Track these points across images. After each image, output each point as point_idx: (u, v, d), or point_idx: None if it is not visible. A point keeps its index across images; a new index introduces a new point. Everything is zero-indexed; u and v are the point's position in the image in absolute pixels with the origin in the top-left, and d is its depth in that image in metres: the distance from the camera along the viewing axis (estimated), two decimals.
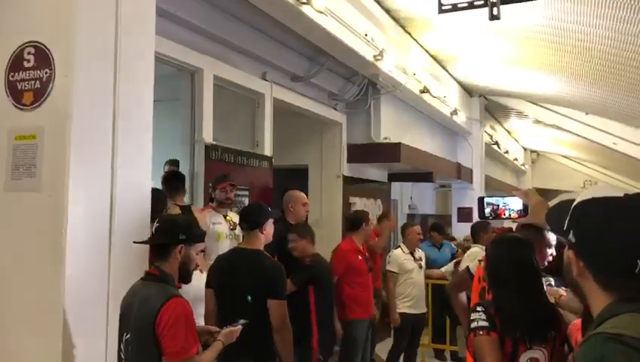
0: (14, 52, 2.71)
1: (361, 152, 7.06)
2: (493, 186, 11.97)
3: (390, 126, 7.23)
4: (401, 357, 5.69)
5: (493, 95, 10.30)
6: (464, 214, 9.82)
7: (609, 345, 1.02)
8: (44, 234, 2.56)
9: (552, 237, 2.61)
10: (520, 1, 4.47)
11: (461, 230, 8.76)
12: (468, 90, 9.83)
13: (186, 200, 4.50)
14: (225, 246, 4.01)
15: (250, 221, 3.22)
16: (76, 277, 2.51)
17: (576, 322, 2.12)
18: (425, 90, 7.32)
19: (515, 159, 14.76)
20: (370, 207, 7.19)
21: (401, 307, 5.45)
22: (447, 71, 8.57)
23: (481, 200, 2.22)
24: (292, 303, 3.15)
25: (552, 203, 1.68)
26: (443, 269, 6.14)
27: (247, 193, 5.08)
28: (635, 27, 5.27)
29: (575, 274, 1.18)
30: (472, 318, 2.16)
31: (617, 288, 1.11)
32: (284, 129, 6.24)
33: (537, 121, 11.95)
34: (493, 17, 4.37)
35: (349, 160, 7.07)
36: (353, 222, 5.14)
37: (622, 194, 1.14)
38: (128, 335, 2.28)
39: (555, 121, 11.26)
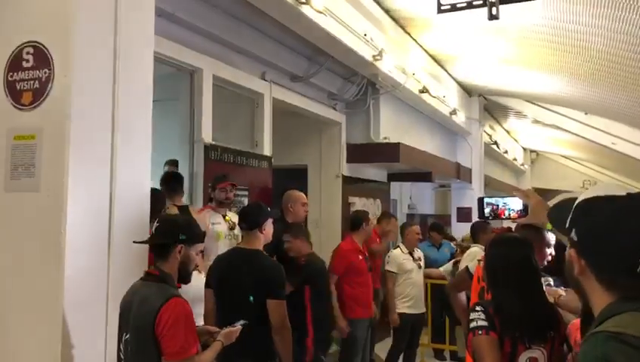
0: (13, 52, 2.71)
1: (360, 152, 7.06)
2: (493, 186, 11.98)
3: (389, 126, 7.23)
4: (401, 357, 5.69)
5: (493, 95, 10.30)
6: (463, 214, 9.82)
7: (610, 344, 1.02)
8: (44, 234, 2.56)
9: (551, 237, 2.61)
10: (519, 1, 4.48)
11: (460, 230, 8.76)
12: (467, 90, 9.83)
13: (186, 200, 4.51)
14: (224, 246, 4.01)
15: (250, 221, 3.22)
16: (75, 277, 2.51)
17: (575, 322, 2.12)
18: (424, 90, 7.33)
19: (515, 159, 14.77)
20: (369, 206, 7.19)
21: (401, 307, 5.45)
22: (446, 71, 8.57)
23: (480, 200, 2.23)
24: (289, 303, 3.15)
25: (551, 203, 1.69)
26: (442, 269, 6.14)
27: (246, 193, 5.08)
28: (633, 27, 5.27)
29: (576, 273, 1.18)
30: (471, 318, 2.16)
31: (619, 287, 1.11)
32: (283, 129, 6.24)
33: (536, 121, 11.96)
34: (492, 17, 4.37)
35: (349, 160, 7.07)
36: (353, 221, 5.14)
37: (624, 193, 1.14)
38: (128, 335, 2.28)
39: (554, 120, 11.27)
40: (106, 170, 2.69)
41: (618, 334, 1.02)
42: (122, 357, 2.33)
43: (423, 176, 8.57)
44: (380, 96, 6.99)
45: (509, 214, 2.18)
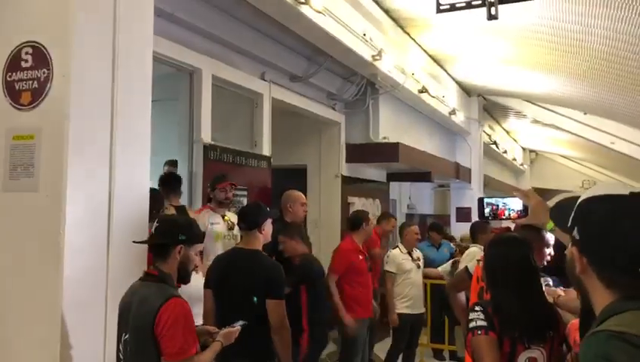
0: (12, 52, 2.70)
1: (359, 152, 7.06)
2: (492, 186, 11.98)
3: (389, 126, 7.23)
4: (400, 357, 5.69)
5: (492, 95, 10.31)
6: (463, 214, 9.82)
7: (612, 343, 1.02)
8: (42, 235, 2.56)
9: (550, 237, 2.61)
10: (517, 1, 4.48)
11: (460, 230, 8.76)
12: (466, 90, 9.83)
13: (185, 200, 4.51)
14: (223, 246, 4.01)
15: (249, 221, 3.21)
16: (74, 278, 2.51)
17: (575, 322, 2.12)
18: (423, 90, 7.33)
19: (514, 159, 14.77)
20: (369, 206, 7.19)
21: (400, 307, 5.45)
22: (445, 71, 8.57)
23: (480, 200, 2.23)
24: (287, 303, 3.15)
25: (550, 203, 1.69)
26: (440, 269, 6.14)
27: (245, 193, 5.08)
28: (632, 27, 5.28)
29: (578, 271, 1.18)
30: (470, 318, 2.16)
31: (621, 286, 1.11)
32: (282, 129, 6.24)
33: (536, 121, 11.97)
34: (491, 17, 4.37)
35: (348, 160, 7.07)
36: (353, 221, 5.14)
37: (627, 192, 1.14)
38: (127, 336, 2.28)
39: (554, 120, 11.28)
40: (105, 170, 2.69)
41: (620, 333, 1.02)
42: (121, 357, 2.33)
43: (423, 176, 8.57)
44: (380, 96, 6.99)
45: (509, 214, 2.18)
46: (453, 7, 4.61)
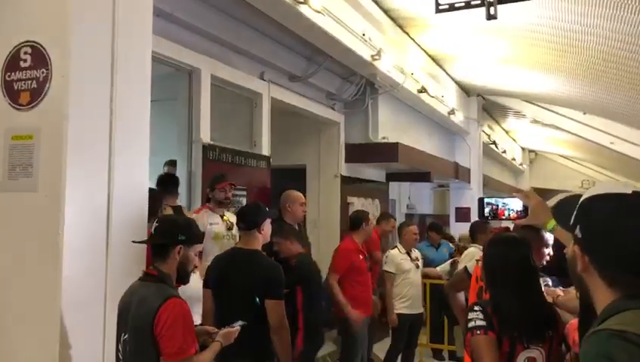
0: (11, 52, 2.70)
1: (359, 152, 7.06)
2: (492, 186, 11.99)
3: (388, 126, 7.23)
4: (399, 357, 5.69)
5: (491, 94, 10.31)
6: (462, 214, 9.83)
7: (613, 342, 1.01)
8: (41, 235, 2.56)
9: (549, 237, 2.61)
10: (516, 1, 4.48)
11: (459, 230, 8.77)
12: (466, 90, 9.83)
13: (184, 200, 4.51)
14: (222, 246, 4.00)
15: (248, 221, 3.21)
16: (73, 278, 2.50)
17: (574, 322, 2.12)
18: (422, 90, 7.33)
19: (513, 159, 14.78)
20: (368, 206, 7.19)
21: (399, 307, 5.45)
22: (444, 70, 8.57)
23: (480, 200, 2.23)
24: (285, 304, 3.15)
25: (550, 203, 1.69)
26: (439, 268, 6.14)
27: (244, 193, 5.08)
28: (631, 27, 5.28)
29: (580, 270, 1.18)
30: (469, 318, 2.15)
31: (622, 285, 1.11)
32: (281, 129, 6.24)
33: (535, 121, 11.97)
34: (491, 17, 4.38)
35: (347, 160, 7.07)
36: (353, 221, 5.14)
37: (630, 191, 1.14)
38: (126, 336, 2.28)
39: (553, 120, 11.28)
40: (104, 170, 2.68)
41: (621, 332, 1.02)
42: (121, 357, 2.33)
43: (422, 176, 8.57)
44: (379, 96, 7.00)
45: (509, 214, 2.18)
46: (452, 7, 4.61)
